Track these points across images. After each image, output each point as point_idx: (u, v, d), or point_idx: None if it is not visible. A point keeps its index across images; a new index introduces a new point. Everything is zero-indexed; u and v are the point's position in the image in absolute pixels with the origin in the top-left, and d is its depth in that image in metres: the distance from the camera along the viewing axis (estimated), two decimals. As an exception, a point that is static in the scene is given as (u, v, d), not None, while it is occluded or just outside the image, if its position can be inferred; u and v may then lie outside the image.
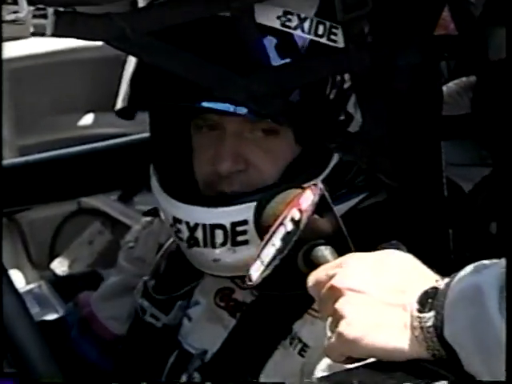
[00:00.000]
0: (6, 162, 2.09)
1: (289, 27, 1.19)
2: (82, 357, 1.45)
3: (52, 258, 2.29)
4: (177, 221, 1.24)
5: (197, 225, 1.22)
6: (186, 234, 1.24)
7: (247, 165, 1.23)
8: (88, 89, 2.26)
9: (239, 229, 1.21)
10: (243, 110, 1.18)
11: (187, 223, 1.23)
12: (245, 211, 1.20)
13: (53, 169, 1.88)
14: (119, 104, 1.24)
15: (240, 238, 1.22)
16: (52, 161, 1.88)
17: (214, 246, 1.23)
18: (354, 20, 1.19)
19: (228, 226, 1.21)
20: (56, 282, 1.92)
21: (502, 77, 1.22)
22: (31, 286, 1.82)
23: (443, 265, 1.20)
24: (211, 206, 1.22)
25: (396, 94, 1.24)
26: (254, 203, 1.17)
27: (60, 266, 2.27)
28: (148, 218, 1.46)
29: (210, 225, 1.22)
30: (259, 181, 1.22)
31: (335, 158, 1.22)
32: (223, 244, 1.22)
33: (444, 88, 1.46)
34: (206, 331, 1.30)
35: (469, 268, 0.97)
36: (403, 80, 1.23)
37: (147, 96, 1.22)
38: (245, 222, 1.21)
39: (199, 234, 1.22)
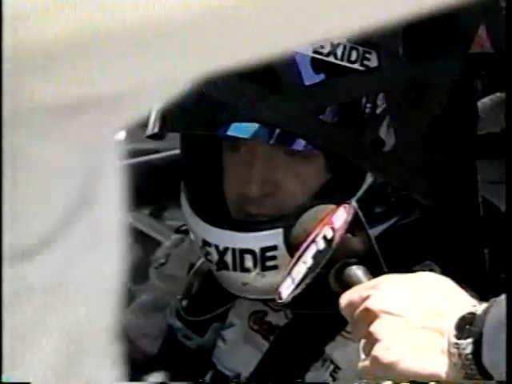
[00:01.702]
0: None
1: (321, 54, 1.17)
2: None
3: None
4: (206, 244, 1.24)
5: (226, 249, 1.21)
6: (215, 257, 1.23)
7: (276, 188, 1.22)
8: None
9: (268, 254, 1.20)
10: (265, 137, 1.18)
11: (216, 247, 1.22)
12: (274, 237, 1.19)
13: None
14: (149, 130, 1.24)
15: (269, 263, 1.21)
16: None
17: (242, 270, 1.22)
18: (388, 38, 1.18)
19: (257, 251, 1.20)
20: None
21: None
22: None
23: (478, 286, 1.18)
24: (241, 231, 1.21)
25: (431, 113, 1.22)
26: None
27: (91, 282, 2.26)
28: (179, 236, 1.45)
29: (240, 249, 1.21)
30: (289, 204, 1.21)
31: (367, 183, 1.21)
32: (252, 269, 1.21)
33: (479, 104, 1.44)
34: (240, 354, 1.29)
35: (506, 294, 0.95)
36: (438, 98, 1.22)
37: (171, 122, 1.22)
38: (274, 248, 1.20)
39: (228, 257, 1.22)
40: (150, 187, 1.87)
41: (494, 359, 0.92)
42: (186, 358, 1.33)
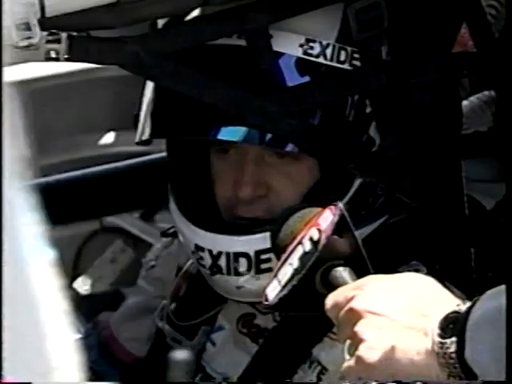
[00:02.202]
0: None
1: (311, 55, 1.18)
2: (102, 379, 1.44)
3: (75, 277, 2.30)
4: (199, 248, 1.23)
5: (220, 253, 1.21)
6: (208, 261, 1.22)
7: (268, 190, 1.22)
8: (109, 107, 2.27)
9: (263, 257, 1.20)
10: (255, 140, 1.18)
11: (210, 251, 1.22)
12: (268, 239, 1.19)
13: (74, 188, 1.88)
14: (138, 136, 1.24)
15: (264, 266, 1.21)
16: (74, 180, 1.88)
17: (237, 273, 1.21)
18: (370, 39, 1.18)
19: (252, 254, 1.20)
20: (78, 301, 1.91)
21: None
22: (54, 305, 1.81)
23: (465, 284, 1.18)
24: (235, 234, 1.20)
25: (414, 113, 1.22)
26: None
27: (83, 285, 2.27)
28: (168, 238, 1.45)
29: (234, 253, 1.20)
30: (280, 206, 1.21)
31: (357, 184, 1.21)
32: (247, 272, 1.21)
33: (466, 102, 1.44)
34: (229, 357, 1.29)
35: (490, 292, 0.95)
36: (421, 98, 1.22)
37: (161, 128, 1.22)
38: (269, 250, 1.19)
39: (222, 262, 1.21)
40: (140, 190, 1.87)
41: (477, 357, 0.93)
42: None
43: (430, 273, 1.20)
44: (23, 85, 2.25)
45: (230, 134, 1.18)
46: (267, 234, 1.18)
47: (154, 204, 2.06)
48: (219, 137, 1.17)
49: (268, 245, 1.18)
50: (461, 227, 1.26)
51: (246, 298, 1.25)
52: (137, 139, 1.24)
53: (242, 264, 1.21)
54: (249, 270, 1.21)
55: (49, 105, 2.30)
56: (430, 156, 1.25)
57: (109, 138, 2.35)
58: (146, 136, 1.22)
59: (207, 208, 1.26)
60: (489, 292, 0.96)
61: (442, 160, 1.26)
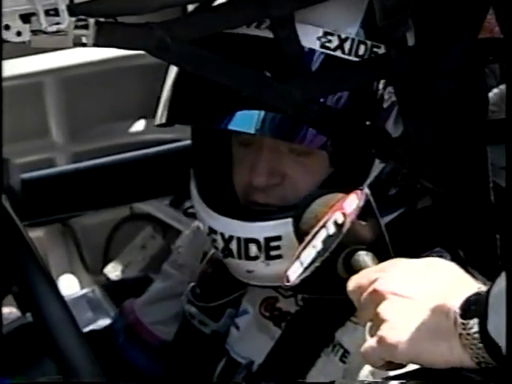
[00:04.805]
0: (59, 168, 2.13)
1: (328, 48, 1.18)
2: (130, 363, 1.47)
3: (106, 262, 2.32)
4: (212, 231, 1.25)
5: (231, 237, 1.23)
6: (221, 244, 1.24)
7: (283, 179, 1.23)
8: (140, 95, 2.29)
9: (273, 244, 1.21)
10: (267, 132, 1.18)
11: (222, 235, 1.24)
12: (279, 227, 1.21)
13: (105, 175, 1.90)
14: (157, 119, 1.25)
15: (273, 253, 1.22)
16: (105, 167, 1.90)
17: (247, 258, 1.23)
18: (395, 25, 1.18)
19: (262, 240, 1.22)
20: (109, 286, 1.94)
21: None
22: (85, 290, 1.85)
23: (490, 271, 1.18)
24: (247, 220, 1.22)
25: (438, 99, 1.22)
26: (289, 219, 1.17)
27: (113, 271, 2.29)
28: (195, 225, 1.47)
29: (245, 238, 1.22)
30: (295, 195, 1.22)
31: (372, 176, 1.21)
32: (257, 257, 1.23)
33: (497, 90, 1.44)
34: (252, 341, 1.31)
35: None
36: (446, 84, 1.22)
37: (178, 114, 1.23)
38: (278, 238, 1.21)
39: (233, 246, 1.23)
40: (170, 177, 1.89)
41: (499, 325, 0.91)
42: (200, 345, 1.35)
43: (453, 259, 1.20)
44: (56, 72, 2.28)
45: (242, 124, 1.18)
46: (278, 222, 1.20)
47: (183, 191, 2.08)
48: (230, 127, 1.18)
49: (278, 233, 1.20)
50: (486, 214, 1.26)
51: (257, 282, 1.27)
52: (156, 123, 1.26)
53: (252, 249, 1.22)
54: (259, 255, 1.22)
55: (81, 93, 2.33)
56: (455, 142, 1.25)
57: (140, 125, 2.37)
58: (163, 120, 1.24)
59: (225, 192, 1.28)
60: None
61: (466, 146, 1.26)
